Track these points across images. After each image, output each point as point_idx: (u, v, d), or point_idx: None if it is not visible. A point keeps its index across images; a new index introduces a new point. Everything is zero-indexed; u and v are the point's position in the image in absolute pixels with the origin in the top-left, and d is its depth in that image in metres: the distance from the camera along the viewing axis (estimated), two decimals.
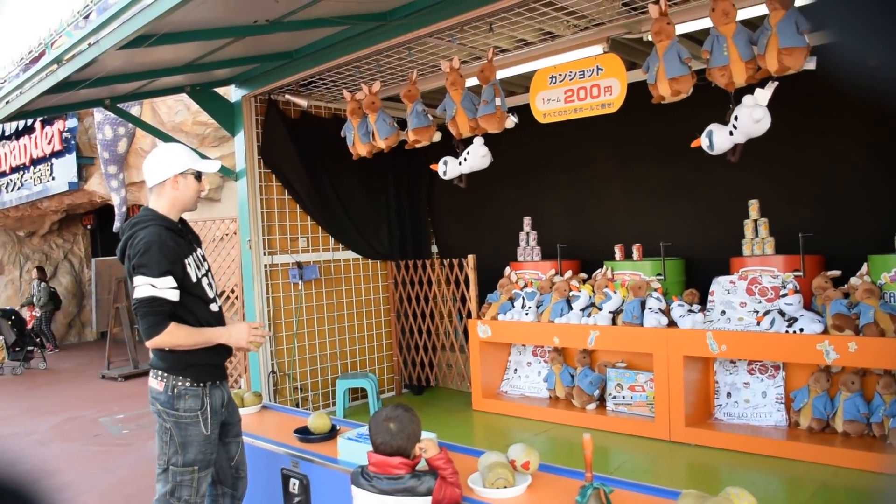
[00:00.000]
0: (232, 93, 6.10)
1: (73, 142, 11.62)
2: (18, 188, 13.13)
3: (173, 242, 3.04)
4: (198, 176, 3.22)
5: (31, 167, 12.65)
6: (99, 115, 10.29)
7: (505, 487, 2.81)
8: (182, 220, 3.28)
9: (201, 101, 5.94)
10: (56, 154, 11.94)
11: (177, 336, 2.97)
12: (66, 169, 11.81)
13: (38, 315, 13.72)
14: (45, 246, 15.79)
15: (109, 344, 11.14)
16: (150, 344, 2.98)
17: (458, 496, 2.72)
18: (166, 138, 6.35)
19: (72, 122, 11.62)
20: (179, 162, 3.15)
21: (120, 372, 10.82)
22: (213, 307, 3.25)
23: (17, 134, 12.90)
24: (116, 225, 10.98)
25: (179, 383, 3.07)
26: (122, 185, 10.73)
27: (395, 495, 2.61)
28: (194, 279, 3.11)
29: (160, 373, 3.10)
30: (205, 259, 3.32)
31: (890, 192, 4.92)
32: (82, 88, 4.88)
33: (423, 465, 2.77)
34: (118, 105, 5.81)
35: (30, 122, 12.20)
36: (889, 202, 4.89)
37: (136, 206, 11.81)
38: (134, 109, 9.11)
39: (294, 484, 3.59)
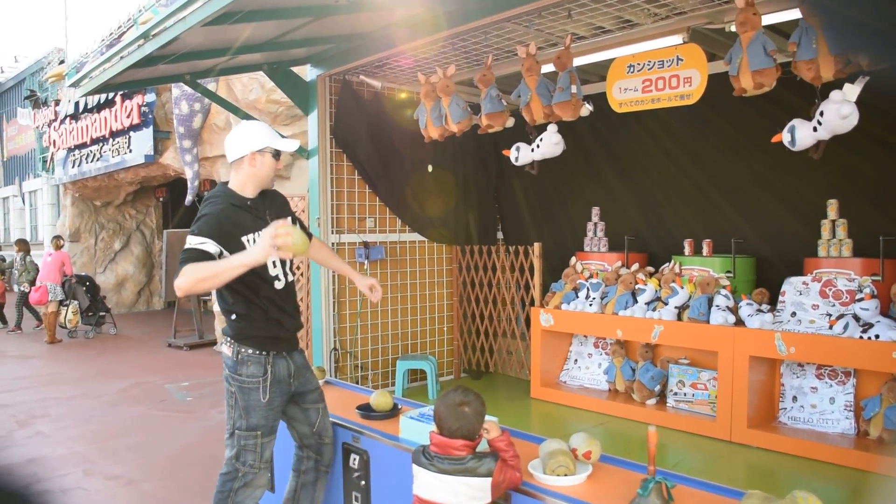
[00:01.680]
0: (307, 72, 6.18)
1: (150, 116, 11.98)
2: (98, 159, 13.60)
3: (232, 221, 3.12)
4: (276, 154, 3.28)
5: (111, 139, 13.08)
6: (176, 90, 10.57)
7: (565, 475, 2.81)
8: (264, 193, 3.35)
9: (277, 80, 6.03)
10: (134, 127, 12.33)
11: (192, 274, 2.86)
12: (142, 142, 12.19)
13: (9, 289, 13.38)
14: (119, 216, 16.34)
15: (177, 314, 11.48)
16: (176, 290, 2.92)
17: (517, 479, 2.73)
18: (242, 115, 6.47)
19: (150, 97, 11.97)
20: (259, 139, 3.23)
21: (186, 341, 11.16)
22: (278, 285, 3.29)
23: (99, 107, 13.36)
24: (189, 198, 11.28)
25: (243, 350, 3.21)
26: (196, 160, 11.01)
27: (456, 475, 2.64)
28: None
29: (229, 339, 3.25)
30: None
31: None
32: (165, 64, 5.02)
33: (483, 448, 2.79)
34: (197, 81, 5.95)
35: (111, 95, 12.59)
36: None
37: (208, 181, 12.11)
38: (209, 87, 9.33)
39: (354, 459, 3.65)
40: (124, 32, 4.95)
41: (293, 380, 3.36)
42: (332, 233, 6.18)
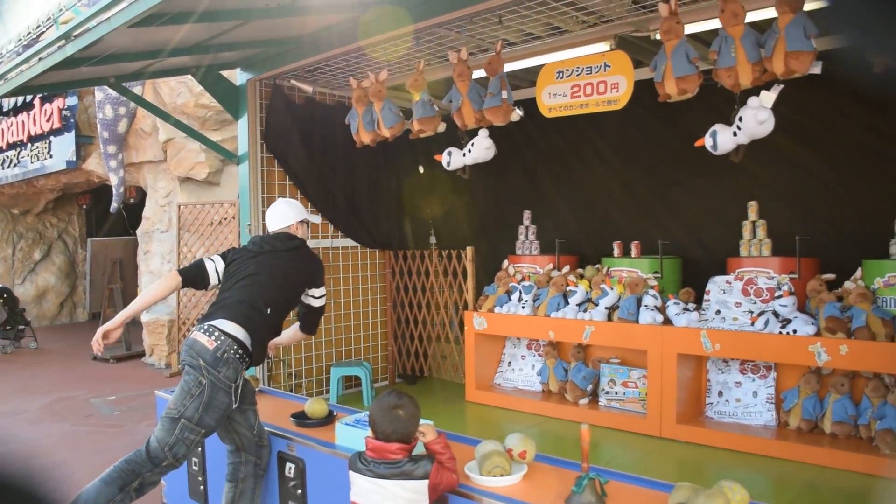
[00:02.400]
0: (237, 76, 6.10)
1: (72, 120, 11.58)
2: (14, 165, 13.08)
3: None
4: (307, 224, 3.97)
5: (29, 144, 12.59)
6: (100, 93, 10.24)
7: (501, 476, 2.84)
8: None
9: (206, 84, 5.94)
10: (55, 132, 11.89)
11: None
12: (64, 147, 11.77)
13: None
14: (39, 224, 15.74)
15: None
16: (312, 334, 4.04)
17: (454, 481, 2.76)
18: (170, 119, 6.34)
19: (72, 101, 11.57)
20: (300, 213, 3.88)
21: (112, 353, 10.81)
22: None
23: (16, 110, 12.83)
24: (114, 206, 10.96)
25: (231, 351, 3.25)
26: (121, 166, 10.70)
27: (393, 479, 2.65)
28: None
29: (217, 333, 3.27)
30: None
31: (886, 198, 4.97)
32: (88, 66, 4.88)
33: (419, 451, 2.80)
34: (123, 84, 5.81)
35: (29, 98, 12.14)
36: (885, 209, 4.93)
37: (134, 187, 11.79)
38: (135, 91, 9.10)
39: (290, 467, 3.62)
40: (43, 32, 4.80)
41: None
42: None
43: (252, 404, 3.60)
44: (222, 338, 3.25)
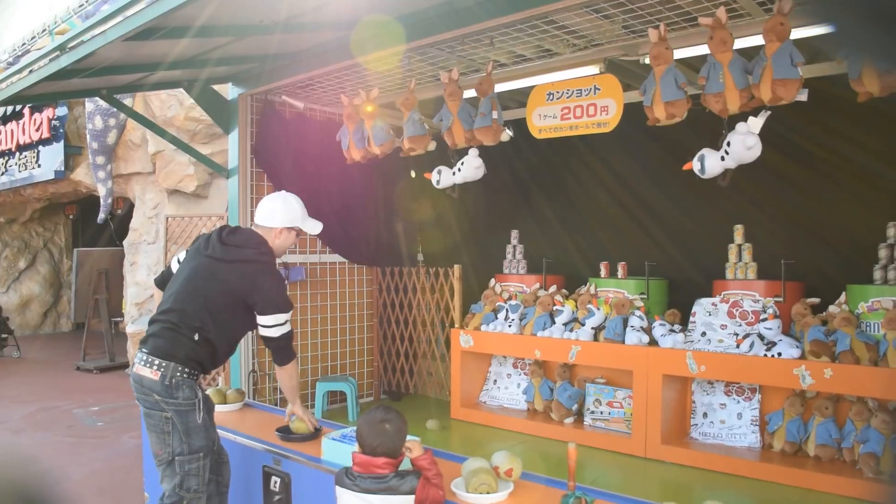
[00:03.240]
0: (229, 90, 6.12)
1: (61, 130, 11.54)
2: (2, 174, 13.01)
3: None
4: (299, 232, 3.55)
5: (17, 153, 12.53)
6: (90, 104, 10.22)
7: (488, 493, 2.85)
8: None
9: (198, 98, 5.95)
10: (43, 141, 11.85)
11: (292, 373, 3.62)
12: (52, 157, 11.73)
13: None
14: (25, 233, 15.64)
15: (86, 336, 11.06)
16: (282, 371, 3.58)
17: (440, 497, 2.76)
18: (159, 131, 6.35)
19: (61, 111, 11.54)
20: (293, 218, 3.47)
21: (96, 364, 10.75)
22: None
23: (5, 119, 12.78)
24: (101, 216, 10.91)
25: (178, 374, 3.13)
26: (110, 177, 10.67)
27: (379, 494, 2.65)
28: None
29: (159, 362, 3.12)
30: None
31: (870, 225, 5.04)
32: (80, 78, 4.89)
33: (406, 467, 2.81)
34: (114, 96, 5.82)
35: (18, 107, 12.10)
36: (869, 235, 5.01)
37: (122, 199, 11.75)
38: (126, 102, 9.10)
39: (275, 482, 3.60)
40: (36, 42, 4.80)
41: None
42: None
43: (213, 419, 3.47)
44: (164, 364, 3.12)
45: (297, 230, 3.51)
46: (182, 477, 3.14)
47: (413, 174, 6.98)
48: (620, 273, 5.99)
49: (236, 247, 3.30)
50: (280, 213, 3.43)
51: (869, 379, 4.29)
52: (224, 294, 3.24)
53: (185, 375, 3.15)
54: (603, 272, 6.09)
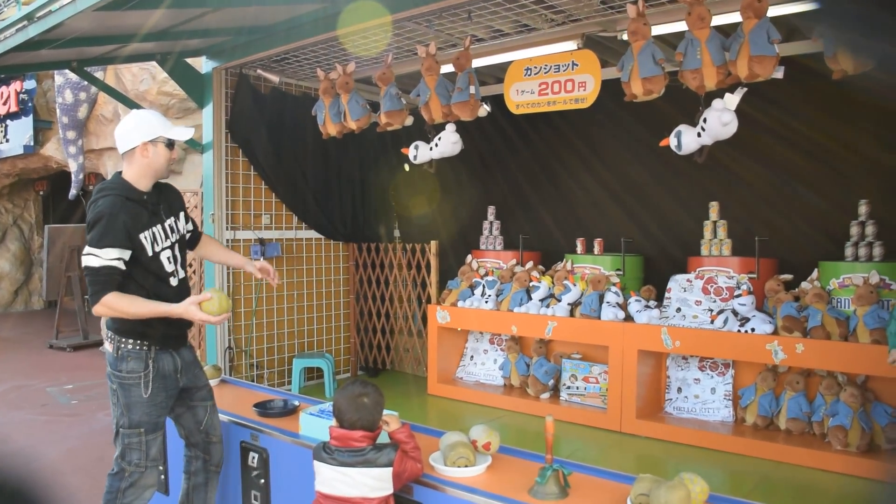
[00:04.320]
0: (203, 64, 6.03)
1: (30, 104, 11.32)
2: None
3: (128, 216, 3.02)
4: (169, 144, 3.19)
5: None
6: (59, 77, 10.03)
7: (466, 466, 2.87)
8: (158, 186, 3.26)
9: (171, 71, 5.85)
10: (11, 115, 11.63)
11: (116, 306, 2.97)
12: (21, 131, 11.52)
13: None
14: None
15: (59, 314, 10.93)
16: (94, 311, 3.01)
17: (418, 470, 2.78)
18: (131, 105, 6.24)
19: (30, 84, 11.31)
20: (151, 129, 3.14)
21: (69, 342, 10.64)
22: (173, 281, 3.23)
23: None
24: (73, 192, 10.76)
25: (123, 345, 3.11)
26: (81, 152, 10.51)
27: (357, 467, 2.66)
28: (150, 253, 3.10)
29: (110, 334, 3.15)
30: (174, 229, 3.27)
31: (842, 203, 5.11)
32: (49, 49, 4.78)
33: (383, 440, 2.82)
34: (85, 69, 5.70)
35: None
36: (841, 213, 5.08)
37: (94, 174, 11.58)
38: (97, 75, 8.93)
39: (253, 457, 3.61)
40: (2, 12, 4.68)
41: (181, 376, 3.29)
42: (227, 229, 6.05)
43: (203, 400, 3.46)
44: (113, 337, 3.12)
45: (163, 141, 3.14)
46: (122, 448, 3.15)
47: (407, 168, 6.94)
48: (597, 249, 6.03)
49: (91, 203, 3.09)
50: (133, 131, 3.10)
51: (839, 354, 4.37)
52: None
53: (130, 346, 3.11)
54: (579, 248, 6.12)
